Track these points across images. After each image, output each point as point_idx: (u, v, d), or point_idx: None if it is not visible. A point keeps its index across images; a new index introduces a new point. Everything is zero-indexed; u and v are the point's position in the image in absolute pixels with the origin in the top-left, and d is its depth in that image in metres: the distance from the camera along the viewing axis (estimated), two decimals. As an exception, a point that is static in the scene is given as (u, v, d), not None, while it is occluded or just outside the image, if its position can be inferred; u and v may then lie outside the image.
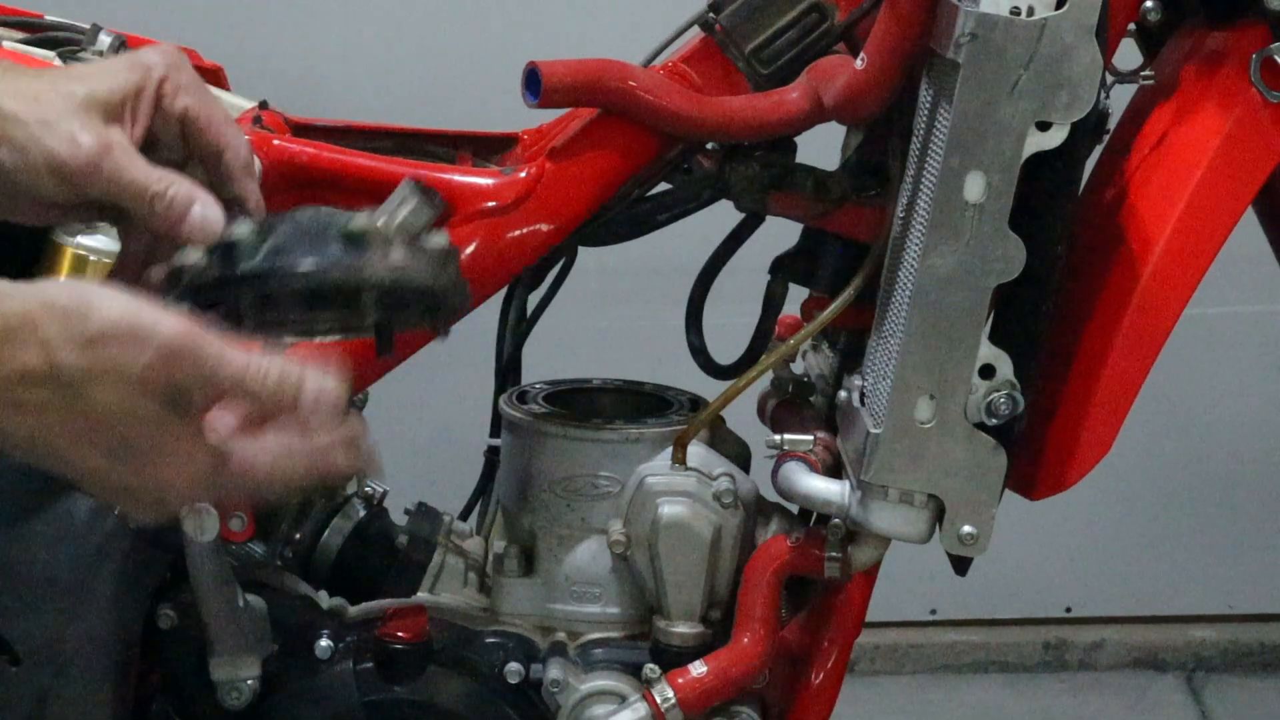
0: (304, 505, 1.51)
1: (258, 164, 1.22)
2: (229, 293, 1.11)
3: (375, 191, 1.46)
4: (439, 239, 1.15)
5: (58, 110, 1.12)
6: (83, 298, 1.01)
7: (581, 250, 1.51)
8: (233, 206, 1.15)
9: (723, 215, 1.49)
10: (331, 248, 1.12)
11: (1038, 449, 1.39)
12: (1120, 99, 1.43)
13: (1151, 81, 1.42)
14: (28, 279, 1.11)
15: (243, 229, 1.12)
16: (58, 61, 1.49)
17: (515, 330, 1.56)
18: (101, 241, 1.39)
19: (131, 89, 1.14)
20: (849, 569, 1.42)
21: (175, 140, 1.17)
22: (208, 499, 1.17)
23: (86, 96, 1.12)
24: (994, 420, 1.32)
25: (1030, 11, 1.25)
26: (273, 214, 1.16)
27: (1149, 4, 1.43)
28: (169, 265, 1.13)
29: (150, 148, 1.15)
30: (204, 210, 1.13)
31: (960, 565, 1.40)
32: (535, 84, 1.39)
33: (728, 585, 1.46)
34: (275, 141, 1.44)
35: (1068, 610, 3.08)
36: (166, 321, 1.02)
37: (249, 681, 1.43)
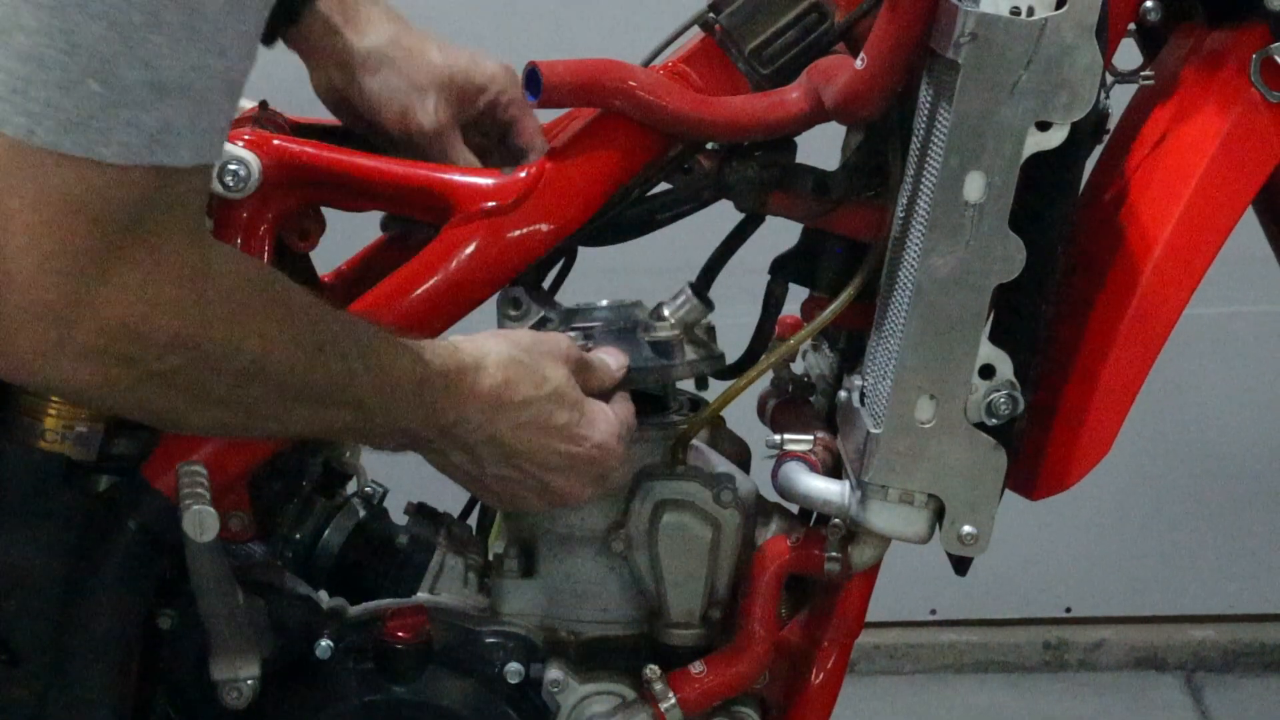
0: (304, 505, 1.51)
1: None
2: None
3: (375, 191, 1.47)
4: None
5: (428, 78, 1.49)
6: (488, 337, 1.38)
7: (581, 250, 1.51)
8: None
9: (723, 215, 1.49)
10: (644, 351, 1.44)
11: (1038, 449, 1.39)
12: (1120, 99, 1.43)
13: (1151, 81, 1.42)
14: None
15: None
16: None
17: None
18: None
19: (483, 86, 1.51)
20: (849, 569, 1.42)
21: (492, 135, 1.51)
22: (618, 462, 1.40)
23: (450, 79, 1.50)
24: (994, 420, 1.32)
25: (1030, 11, 1.25)
26: (570, 306, 1.46)
27: (1149, 4, 1.43)
28: None
29: (467, 129, 1.51)
30: None
31: (960, 565, 1.40)
32: (535, 84, 1.39)
33: (728, 585, 1.46)
34: (275, 141, 1.44)
35: (1068, 610, 3.08)
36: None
37: (249, 681, 1.43)
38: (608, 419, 1.38)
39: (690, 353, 1.46)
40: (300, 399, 1.23)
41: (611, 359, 1.42)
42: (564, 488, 1.37)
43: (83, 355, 1.09)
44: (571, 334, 1.43)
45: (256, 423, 1.26)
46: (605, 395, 1.41)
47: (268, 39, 1.47)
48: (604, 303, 1.47)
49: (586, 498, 1.39)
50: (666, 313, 1.47)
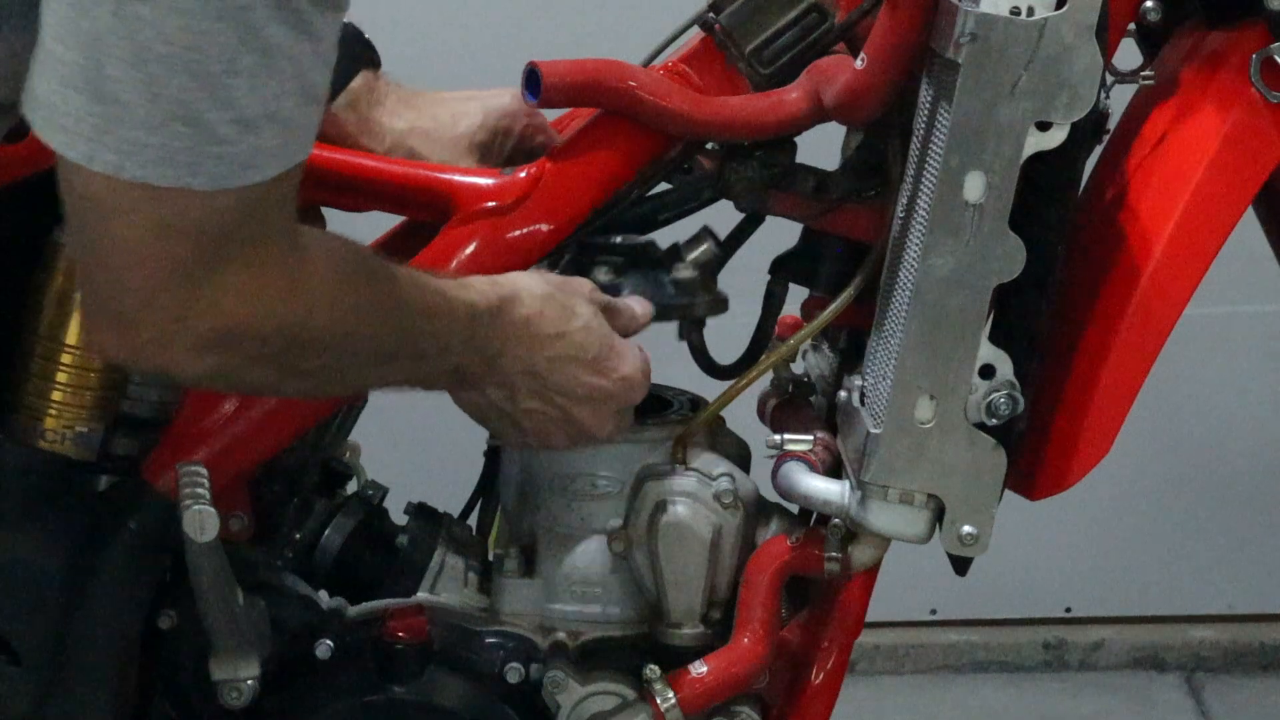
0: (304, 505, 1.51)
1: None
2: None
3: (375, 191, 1.47)
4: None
5: (454, 151, 1.54)
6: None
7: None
8: None
9: (723, 215, 1.49)
10: (668, 289, 1.48)
11: (1038, 449, 1.39)
12: (1120, 99, 1.43)
13: (1151, 81, 1.42)
14: (27, 278, 1.21)
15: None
16: None
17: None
18: None
19: (503, 129, 1.55)
20: (849, 569, 1.42)
21: (530, 159, 1.50)
22: (641, 397, 1.44)
23: (472, 137, 1.54)
24: (994, 420, 1.32)
25: (1030, 11, 1.25)
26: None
27: (1149, 4, 1.43)
28: None
29: (505, 164, 1.53)
30: None
31: (960, 565, 1.40)
32: (535, 84, 1.39)
33: (728, 585, 1.46)
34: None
35: (1068, 610, 3.08)
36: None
37: (249, 681, 1.43)
38: (634, 355, 1.41)
39: (707, 293, 1.50)
40: (382, 360, 1.30)
41: (638, 305, 1.45)
42: (589, 421, 1.40)
43: (197, 348, 1.16)
44: (601, 268, 1.46)
45: (341, 384, 1.34)
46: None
47: None
48: (618, 239, 1.49)
49: (608, 432, 1.41)
50: (687, 255, 1.49)
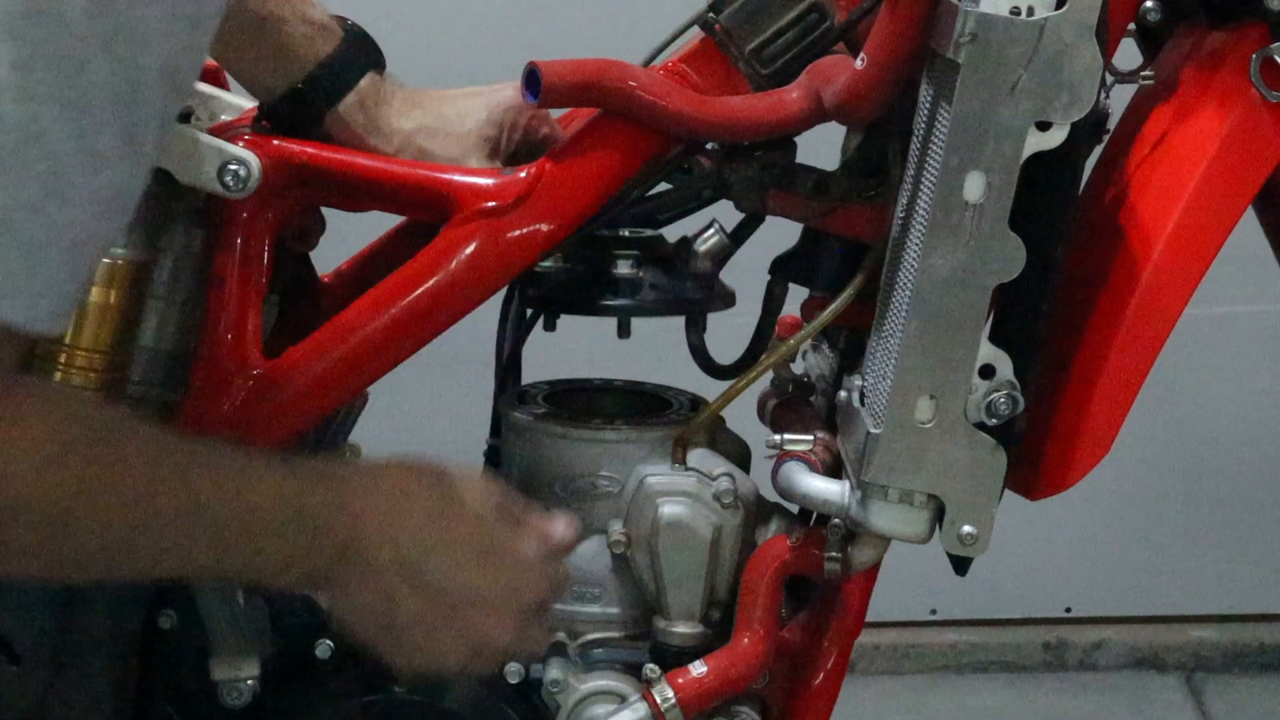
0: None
1: None
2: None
3: (375, 191, 1.47)
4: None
5: (459, 142, 1.49)
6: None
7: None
8: None
9: (723, 215, 1.49)
10: (686, 283, 1.48)
11: (1038, 449, 1.38)
12: (1120, 99, 1.43)
13: (1151, 81, 1.42)
14: None
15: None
16: None
17: (515, 330, 1.56)
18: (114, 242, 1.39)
19: (509, 122, 1.50)
20: (849, 569, 1.42)
21: (535, 152, 1.48)
22: (545, 593, 1.29)
23: (479, 132, 1.50)
24: (994, 420, 1.32)
25: (1030, 11, 1.25)
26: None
27: (1149, 4, 1.43)
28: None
29: (511, 158, 1.50)
30: None
31: (960, 565, 1.40)
32: (535, 84, 1.39)
33: (728, 585, 1.46)
34: (275, 142, 1.44)
35: (1068, 610, 3.08)
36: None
37: (249, 681, 1.43)
38: (540, 556, 1.28)
39: (721, 286, 1.50)
40: (129, 545, 1.13)
41: (562, 525, 1.32)
42: (488, 628, 1.25)
43: None
44: (621, 261, 1.47)
45: (73, 572, 1.15)
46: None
47: None
48: (625, 232, 1.49)
49: (516, 643, 1.27)
50: (700, 248, 1.49)
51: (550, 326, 1.53)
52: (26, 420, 1.05)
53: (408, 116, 1.51)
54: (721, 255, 1.50)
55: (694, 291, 1.49)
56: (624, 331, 1.51)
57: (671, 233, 1.52)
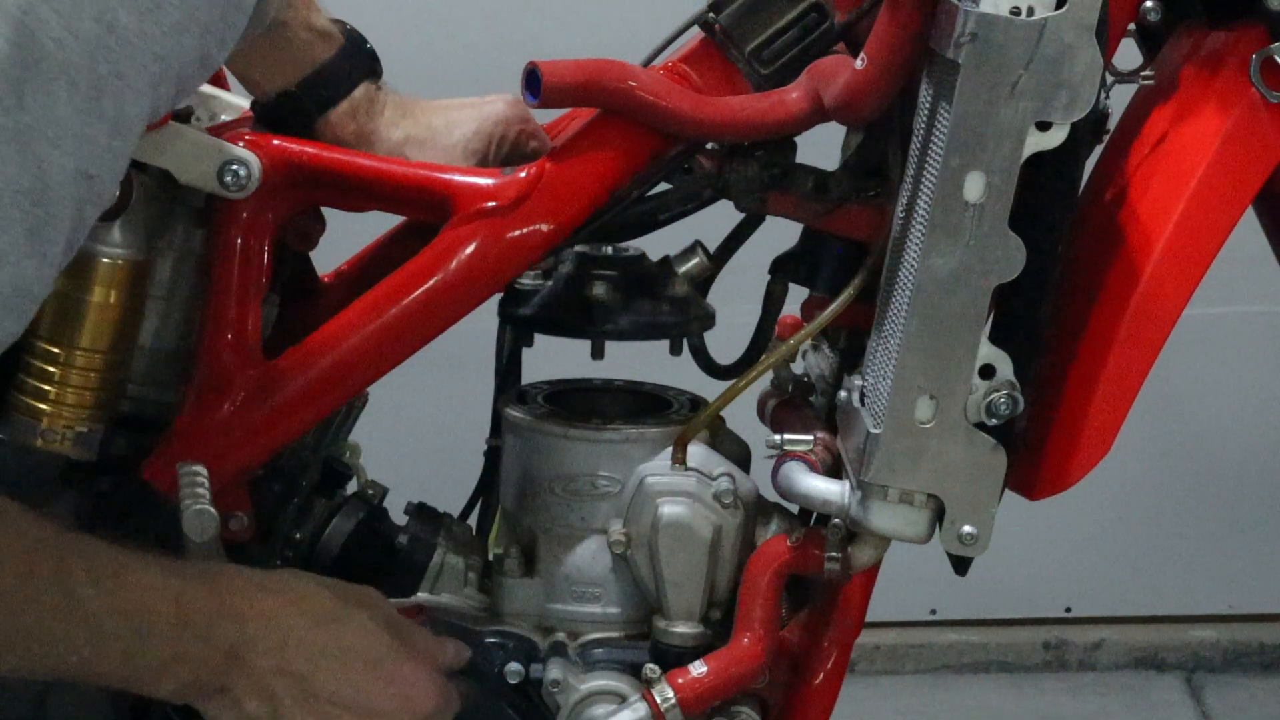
0: (304, 505, 1.51)
1: None
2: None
3: (375, 191, 1.47)
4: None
5: (445, 153, 1.50)
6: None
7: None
8: None
9: (723, 215, 1.49)
10: (663, 307, 1.48)
11: (1038, 449, 1.38)
12: (1120, 99, 1.43)
13: (1151, 81, 1.42)
14: None
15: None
16: None
17: (514, 333, 1.56)
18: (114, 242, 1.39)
19: (498, 134, 1.52)
20: (849, 569, 1.42)
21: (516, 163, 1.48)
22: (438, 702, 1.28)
23: (466, 144, 1.51)
24: (994, 420, 1.32)
25: (1030, 11, 1.25)
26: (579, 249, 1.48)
27: (1149, 4, 1.42)
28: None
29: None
30: None
31: (960, 565, 1.40)
32: (535, 84, 1.39)
33: (728, 585, 1.46)
34: (275, 142, 1.44)
35: (1068, 610, 3.08)
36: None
37: (249, 681, 1.42)
38: (425, 656, 1.27)
39: (699, 309, 1.50)
40: (5, 641, 1.11)
41: (451, 649, 1.33)
42: None
43: None
44: (598, 284, 1.47)
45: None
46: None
47: None
48: (608, 248, 1.49)
49: None
50: (679, 269, 1.50)
51: (528, 343, 1.54)
52: None
53: (397, 127, 1.51)
54: (703, 278, 1.51)
55: (670, 315, 1.49)
56: (598, 354, 1.51)
57: (664, 242, 1.52)
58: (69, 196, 1.01)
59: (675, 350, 1.52)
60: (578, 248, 1.49)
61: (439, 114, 1.54)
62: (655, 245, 1.52)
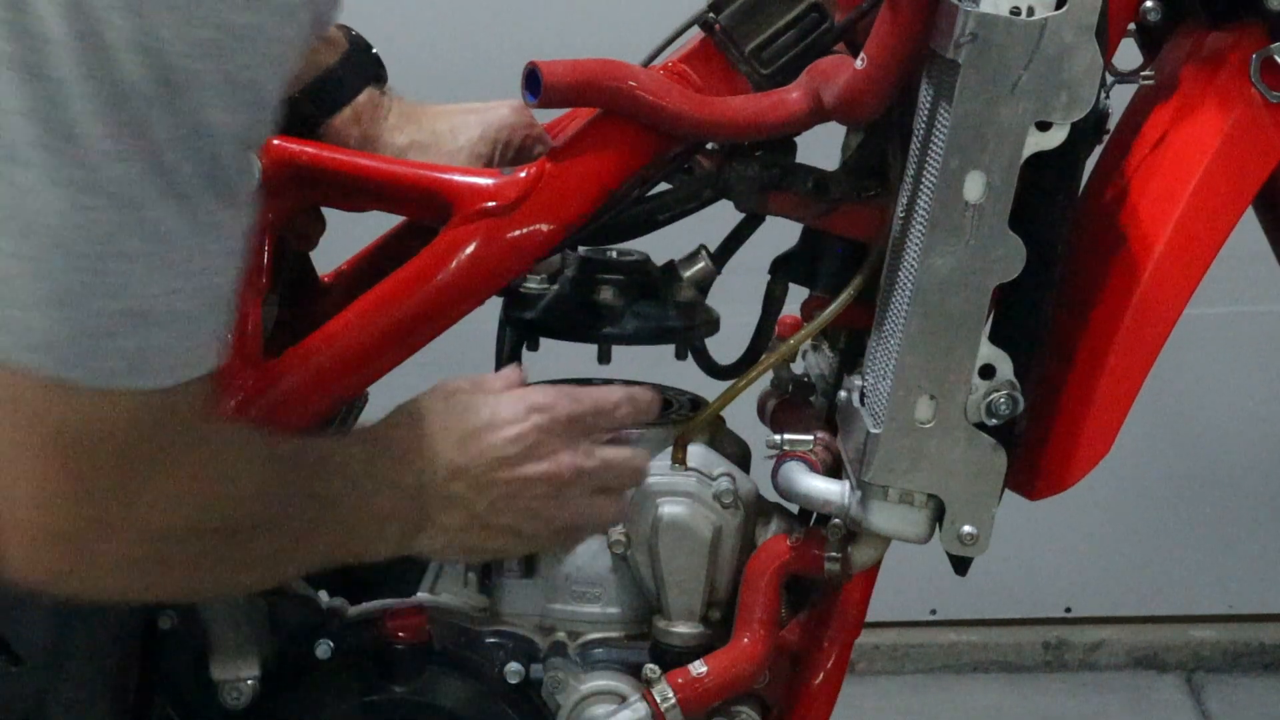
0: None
1: None
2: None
3: (375, 191, 1.47)
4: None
5: (449, 158, 1.52)
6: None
7: (583, 252, 1.51)
8: None
9: (723, 215, 1.49)
10: (670, 312, 1.48)
11: (1038, 449, 1.39)
12: (1120, 99, 1.43)
13: (1151, 81, 1.42)
14: None
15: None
16: None
17: (515, 335, 1.56)
18: None
19: (503, 139, 1.54)
20: (849, 569, 1.42)
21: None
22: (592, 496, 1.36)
23: (471, 150, 1.53)
24: (994, 420, 1.32)
25: (1030, 11, 1.25)
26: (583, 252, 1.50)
27: (1149, 4, 1.42)
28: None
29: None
30: None
31: (960, 565, 1.40)
32: (535, 84, 1.39)
33: (728, 585, 1.46)
34: (275, 141, 1.44)
35: (1068, 610, 3.08)
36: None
37: (249, 681, 1.43)
38: (571, 444, 1.34)
39: (705, 314, 1.51)
40: (301, 542, 1.23)
41: (639, 458, 1.40)
42: (558, 512, 1.34)
43: (110, 569, 1.09)
44: (605, 288, 1.47)
45: (285, 568, 1.27)
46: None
47: None
48: (613, 252, 1.49)
49: (594, 514, 1.37)
50: (685, 274, 1.50)
51: (533, 347, 1.54)
52: (226, 451, 1.14)
53: (402, 132, 1.52)
54: (707, 283, 1.51)
55: (677, 320, 1.49)
56: (604, 358, 1.50)
57: (664, 243, 1.52)
58: (242, 186, 1.07)
59: (681, 355, 1.52)
60: (583, 252, 1.49)
61: (443, 119, 1.54)
62: (655, 245, 1.52)
